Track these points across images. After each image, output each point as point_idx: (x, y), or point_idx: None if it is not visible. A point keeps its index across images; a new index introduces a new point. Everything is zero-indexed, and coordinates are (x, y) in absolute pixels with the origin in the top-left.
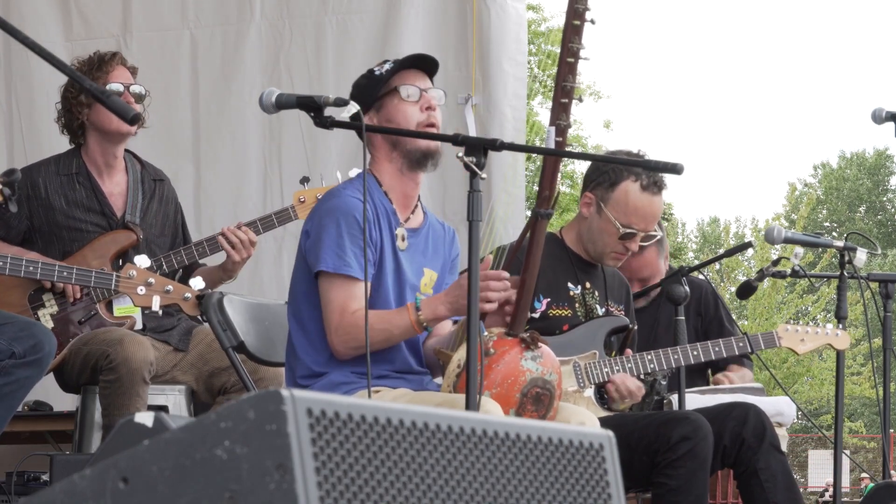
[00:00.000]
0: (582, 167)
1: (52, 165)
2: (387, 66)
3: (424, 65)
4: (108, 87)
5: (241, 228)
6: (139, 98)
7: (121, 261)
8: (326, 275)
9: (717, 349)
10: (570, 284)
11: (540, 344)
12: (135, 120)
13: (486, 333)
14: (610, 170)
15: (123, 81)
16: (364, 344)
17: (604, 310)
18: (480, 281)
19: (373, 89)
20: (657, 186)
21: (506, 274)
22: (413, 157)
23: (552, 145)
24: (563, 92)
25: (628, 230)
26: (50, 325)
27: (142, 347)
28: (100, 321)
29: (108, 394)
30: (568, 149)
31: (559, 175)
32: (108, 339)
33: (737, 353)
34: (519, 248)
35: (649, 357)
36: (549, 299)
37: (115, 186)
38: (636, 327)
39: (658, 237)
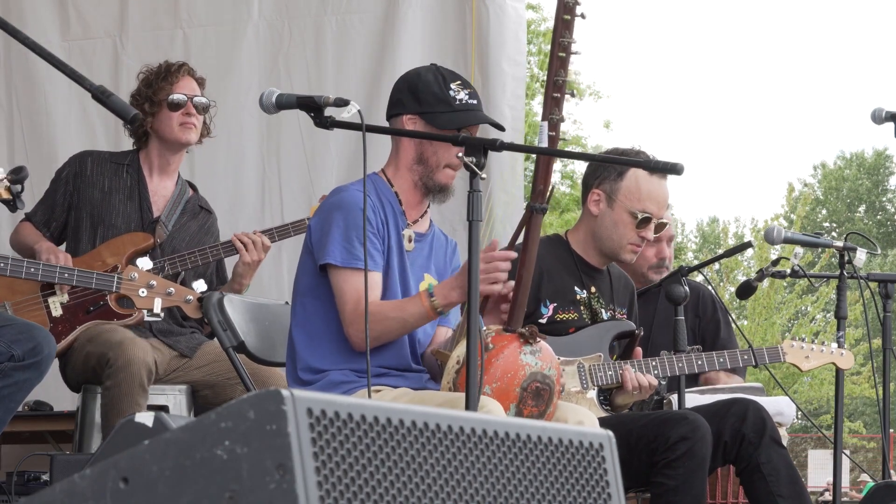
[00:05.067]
0: (582, 167)
1: (105, 154)
2: (464, 95)
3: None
4: (171, 97)
5: (255, 233)
6: (203, 109)
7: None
8: (336, 268)
9: (721, 360)
10: (576, 288)
11: (538, 339)
12: (134, 120)
13: (484, 329)
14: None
15: (188, 92)
16: (382, 333)
17: (609, 315)
18: (486, 262)
19: (437, 102)
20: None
21: (513, 254)
22: (430, 186)
23: (545, 140)
24: (555, 87)
25: (645, 215)
26: (59, 312)
27: (141, 350)
28: (108, 312)
29: (107, 402)
30: (568, 148)
31: (559, 174)
32: (109, 342)
33: (741, 365)
34: (513, 245)
35: (653, 363)
36: (555, 304)
37: (162, 189)
38: (642, 332)
39: (668, 226)
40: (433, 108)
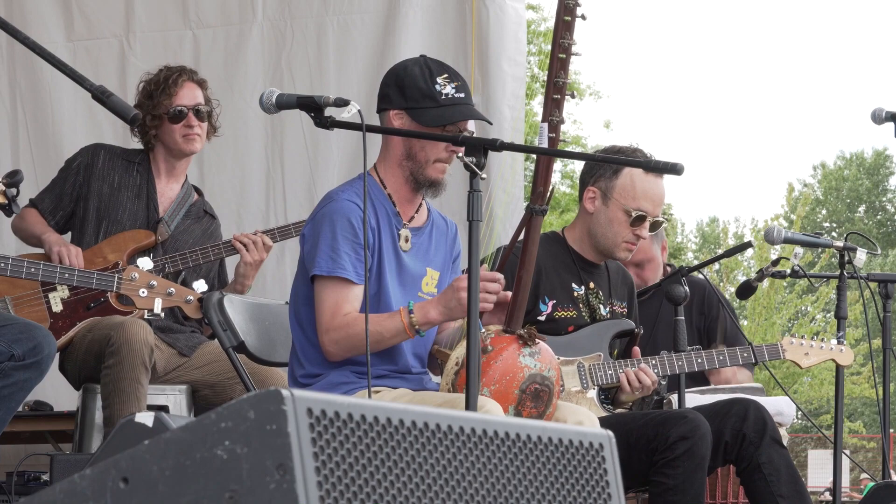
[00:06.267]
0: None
1: (118, 150)
2: (450, 89)
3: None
4: (172, 110)
5: (256, 233)
6: (205, 115)
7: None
8: (321, 278)
9: (721, 358)
10: (574, 285)
11: (537, 340)
12: (134, 120)
13: (483, 331)
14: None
15: (188, 103)
16: (354, 345)
17: (608, 310)
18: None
19: (422, 98)
20: None
21: (500, 275)
22: (419, 179)
23: (545, 142)
24: (556, 88)
25: (639, 212)
26: (59, 308)
27: (142, 329)
28: (108, 309)
29: (108, 381)
30: (568, 148)
31: (559, 173)
32: (110, 324)
33: (741, 363)
34: (513, 246)
35: (653, 362)
36: (554, 301)
37: (168, 190)
38: (642, 331)
39: (663, 225)
40: (418, 104)
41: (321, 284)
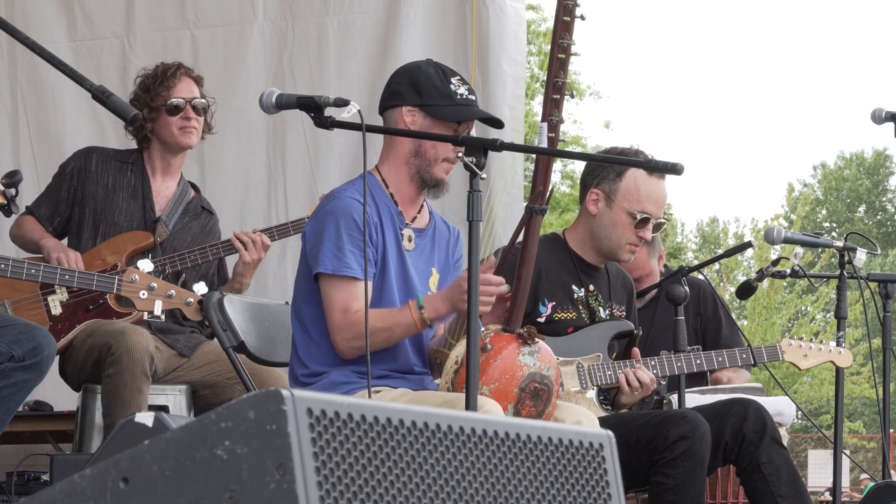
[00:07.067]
0: (582, 167)
1: (110, 151)
2: (464, 90)
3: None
4: (169, 102)
5: (255, 232)
6: (201, 110)
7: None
8: (326, 276)
9: (720, 359)
10: (573, 287)
11: (537, 339)
12: (134, 120)
13: (482, 330)
14: None
15: (186, 96)
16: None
17: (607, 312)
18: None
19: (439, 96)
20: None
21: (503, 284)
22: (425, 178)
23: (545, 141)
24: (555, 88)
25: (643, 215)
26: (59, 311)
27: (143, 338)
28: (107, 311)
29: (109, 389)
30: (568, 148)
31: (559, 173)
32: (110, 331)
33: (739, 364)
34: (512, 246)
35: (652, 363)
36: (553, 303)
37: (164, 189)
38: (640, 332)
39: (665, 225)
40: (435, 101)
41: (328, 283)
